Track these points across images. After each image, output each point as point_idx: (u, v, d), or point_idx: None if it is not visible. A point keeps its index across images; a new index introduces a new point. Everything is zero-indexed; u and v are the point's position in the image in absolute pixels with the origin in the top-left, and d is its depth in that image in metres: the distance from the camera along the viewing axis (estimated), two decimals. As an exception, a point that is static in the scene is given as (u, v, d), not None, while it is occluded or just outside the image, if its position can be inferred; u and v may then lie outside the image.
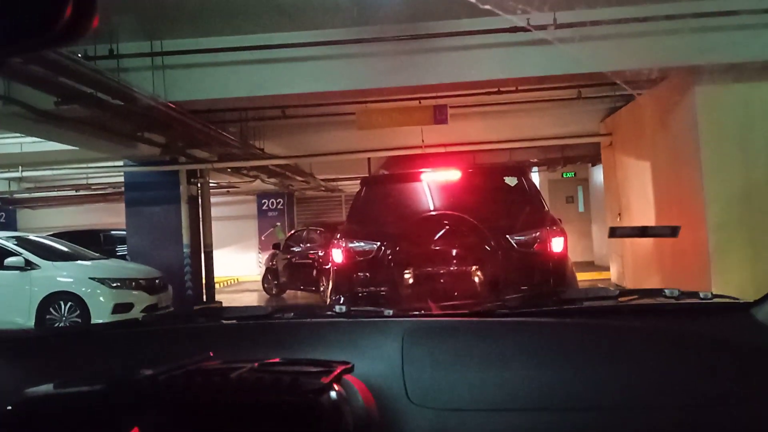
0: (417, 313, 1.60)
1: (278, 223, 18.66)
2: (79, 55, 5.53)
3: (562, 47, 6.31)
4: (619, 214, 10.19)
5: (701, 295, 1.58)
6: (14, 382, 1.21)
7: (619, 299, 1.65)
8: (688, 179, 7.43)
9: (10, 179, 13.60)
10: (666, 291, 1.59)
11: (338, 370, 1.06)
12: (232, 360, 1.11)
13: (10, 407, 0.99)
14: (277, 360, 1.13)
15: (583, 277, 10.66)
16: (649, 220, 8.67)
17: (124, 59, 6.30)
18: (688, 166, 7.43)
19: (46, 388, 1.05)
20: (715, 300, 1.58)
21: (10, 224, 18.07)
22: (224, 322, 1.66)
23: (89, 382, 1.05)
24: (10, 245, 8.68)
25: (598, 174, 13.91)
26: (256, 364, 1.07)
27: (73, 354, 1.47)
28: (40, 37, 0.61)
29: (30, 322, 8.16)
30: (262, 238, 18.64)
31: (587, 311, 1.62)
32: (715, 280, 6.87)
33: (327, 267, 6.26)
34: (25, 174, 11.98)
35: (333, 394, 1.00)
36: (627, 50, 6.44)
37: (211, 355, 1.18)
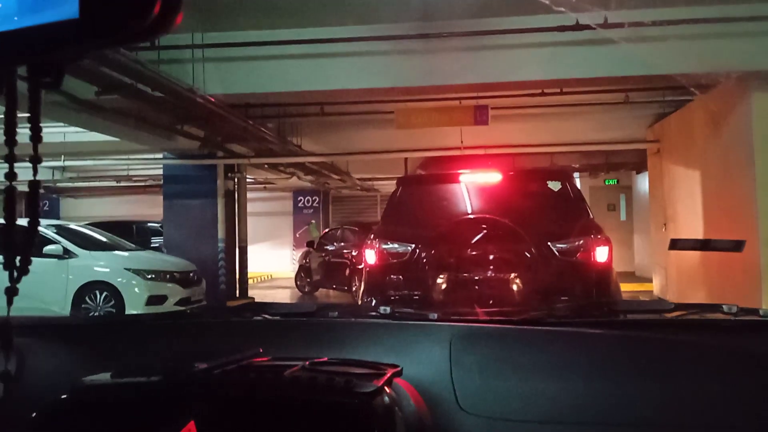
0: (464, 317, 1.56)
1: (313, 221, 18.68)
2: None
3: (610, 48, 6.08)
4: (665, 225, 9.82)
5: (761, 312, 1.53)
6: (64, 369, 1.23)
7: (675, 313, 1.60)
8: (740, 190, 7.07)
9: (53, 168, 13.86)
10: (724, 307, 1.53)
11: (389, 373, 1.05)
12: (281, 357, 1.11)
13: (64, 396, 0.98)
14: (326, 359, 1.12)
15: (623, 288, 10.29)
16: (696, 231, 8.32)
17: (165, 51, 6.29)
18: (740, 177, 7.08)
19: (102, 377, 1.05)
20: None
21: (53, 212, 18.50)
22: (269, 317, 1.65)
23: (144, 373, 1.06)
24: (50, 233, 8.81)
25: (642, 182, 13.49)
26: (307, 363, 1.06)
27: (121, 343, 1.47)
28: (126, 32, 0.60)
29: (66, 311, 8.27)
30: (297, 235, 18.67)
31: (641, 324, 1.57)
32: (766, 297, 6.52)
33: (360, 267, 6.14)
34: (67, 164, 12.17)
35: (385, 397, 0.99)
36: (679, 53, 6.15)
37: (261, 351, 1.16)
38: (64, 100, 6.33)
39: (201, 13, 6.21)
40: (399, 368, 1.10)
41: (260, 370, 1.08)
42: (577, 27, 5.79)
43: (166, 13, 0.58)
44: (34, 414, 0.97)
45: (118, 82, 5.89)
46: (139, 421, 0.97)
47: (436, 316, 1.53)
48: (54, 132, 10.36)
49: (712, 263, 7.90)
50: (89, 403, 1.01)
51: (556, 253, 4.33)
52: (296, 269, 13.28)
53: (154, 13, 0.57)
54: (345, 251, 10.86)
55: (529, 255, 4.18)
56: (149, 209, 15.82)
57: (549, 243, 4.33)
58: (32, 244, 0.78)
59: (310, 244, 12.59)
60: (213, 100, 6.86)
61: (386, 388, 1.01)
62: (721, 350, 1.30)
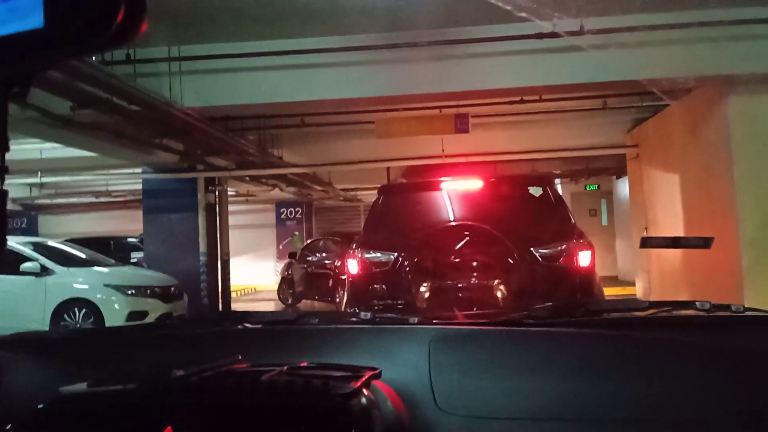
0: (443, 320, 1.58)
1: (296, 233, 18.59)
2: (95, 60, 5.44)
3: (588, 54, 6.11)
4: (646, 229, 9.88)
5: (733, 308, 1.56)
6: (41, 382, 1.23)
7: (649, 311, 1.63)
8: (720, 193, 7.13)
9: (31, 185, 13.66)
10: (697, 303, 1.57)
11: (367, 375, 1.06)
12: (261, 363, 1.11)
13: (41, 405, 0.99)
14: (304, 364, 1.13)
15: (606, 292, 10.31)
16: (677, 234, 8.37)
17: (141, 64, 6.22)
18: (719, 180, 7.14)
19: (79, 387, 1.05)
20: (748, 313, 1.57)
21: (31, 230, 18.18)
22: (250, 326, 1.66)
23: (122, 382, 1.06)
24: (27, 250, 8.66)
25: (622, 187, 13.60)
26: (285, 368, 1.07)
27: (101, 355, 1.47)
28: (90, 41, 0.61)
29: (45, 328, 8.10)
30: (280, 247, 18.56)
31: (616, 322, 1.60)
32: (748, 298, 6.55)
33: (343, 277, 6.09)
34: (44, 180, 12.01)
35: (363, 399, 1.00)
36: (657, 58, 6.21)
37: (240, 358, 1.17)
38: (38, 115, 6.22)
39: (176, 25, 6.15)
40: (377, 371, 1.11)
41: (238, 376, 1.08)
42: (554, 34, 5.82)
43: (130, 23, 0.60)
44: (8, 426, 0.98)
45: (93, 97, 5.80)
46: (116, 428, 0.97)
47: (416, 319, 1.54)
48: (30, 149, 10.22)
49: (695, 266, 7.96)
50: (66, 412, 1.00)
51: (539, 259, 4.32)
52: (278, 281, 13.17)
53: (117, 22, 0.59)
54: (327, 262, 10.80)
55: (511, 261, 4.16)
56: (130, 224, 15.62)
57: (531, 248, 4.32)
58: (2, 257, 0.77)
59: (292, 255, 12.50)
60: (191, 113, 6.79)
61: (364, 389, 1.02)
62: (694, 346, 1.32)
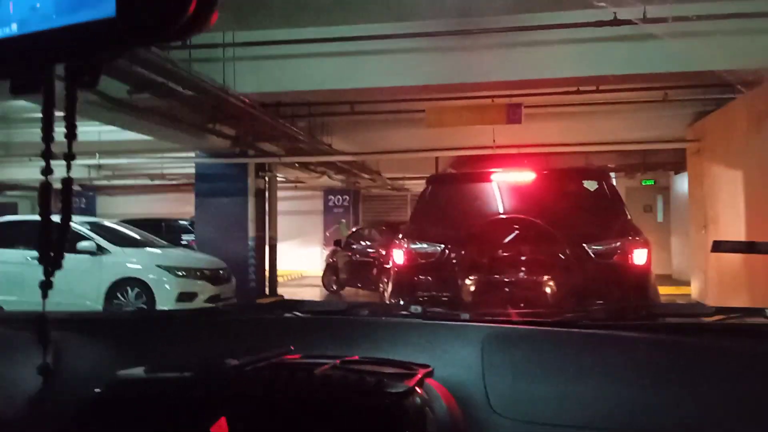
0: (496, 318, 1.51)
1: (343, 220, 18.68)
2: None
3: (649, 44, 5.88)
4: (705, 226, 9.50)
5: None
6: (96, 364, 1.23)
7: (716, 317, 1.54)
8: (786, 192, 6.77)
9: (89, 166, 14.12)
10: (767, 311, 1.48)
11: (421, 374, 1.03)
12: (312, 355, 1.10)
13: (98, 390, 0.99)
14: (357, 358, 1.11)
15: (660, 291, 10.01)
16: (738, 233, 8.01)
17: (197, 50, 6.30)
18: (786, 178, 6.77)
19: (137, 371, 1.06)
20: None
21: (90, 209, 18.86)
22: (300, 315, 1.65)
23: (178, 369, 1.06)
24: (84, 230, 8.94)
25: (680, 182, 13.11)
26: (338, 362, 1.06)
27: (154, 338, 1.48)
28: (162, 31, 0.61)
29: (99, 306, 8.38)
30: (327, 234, 18.69)
31: (681, 328, 1.50)
32: (813, 303, 6.22)
33: (387, 267, 6.07)
34: (102, 162, 12.37)
35: (417, 398, 0.97)
36: (721, 49, 5.92)
37: (292, 348, 1.16)
38: (97, 99, 6.39)
39: (232, 11, 6.20)
40: (430, 368, 1.08)
41: (291, 368, 1.07)
42: (615, 22, 5.60)
43: (201, 12, 0.60)
44: (71, 410, 0.98)
45: (149, 81, 5.92)
46: (170, 416, 0.97)
47: (468, 316, 1.51)
48: (89, 131, 10.54)
49: (757, 266, 7.58)
50: (123, 397, 1.01)
51: (592, 255, 4.17)
52: (324, 268, 13.28)
53: (189, 12, 0.59)
54: (372, 251, 10.79)
55: (563, 257, 4.03)
56: (182, 207, 16.00)
57: (584, 244, 4.18)
58: (65, 240, 0.82)
59: (337, 243, 12.56)
60: (244, 98, 6.85)
61: (417, 388, 1.00)
62: (763, 357, 1.24)
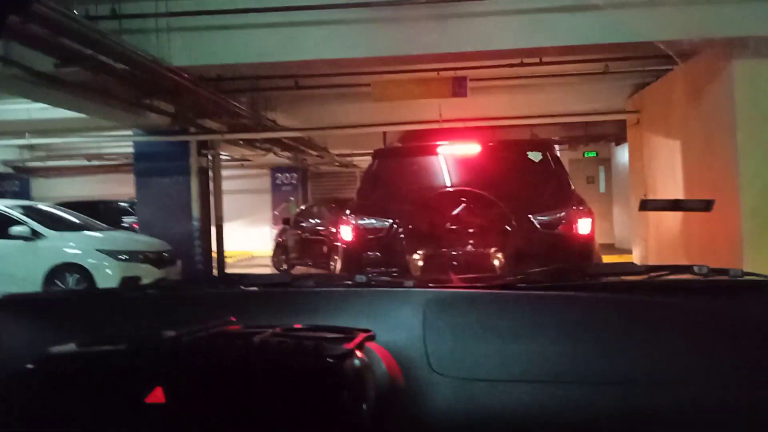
0: (438, 284, 1.54)
1: (292, 198, 18.45)
2: (76, 13, 5.22)
3: (590, 15, 5.93)
4: (645, 195, 9.77)
5: (731, 272, 1.55)
6: (33, 343, 1.22)
7: (646, 275, 1.62)
8: (722, 161, 7.00)
9: (21, 147, 13.42)
10: (695, 267, 1.55)
11: (360, 338, 1.06)
12: (253, 325, 1.11)
13: (31, 365, 0.99)
14: (298, 326, 1.13)
15: (604, 260, 10.29)
16: (676, 202, 8.26)
17: (127, 20, 5.98)
18: (721, 146, 7.00)
19: (69, 347, 1.06)
20: (746, 278, 1.56)
21: (23, 193, 17.97)
22: (244, 288, 1.66)
23: (112, 342, 1.06)
24: (16, 214, 8.51)
25: (621, 154, 13.45)
26: (278, 329, 1.07)
27: (93, 316, 1.46)
28: None
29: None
30: (276, 213, 18.43)
31: (613, 286, 1.59)
32: (747, 267, 6.47)
33: (338, 244, 6.01)
34: (33, 142, 11.75)
35: (356, 360, 1.00)
36: (661, 19, 6.03)
37: (233, 319, 1.17)
38: (21, 73, 6.01)
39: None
40: (371, 333, 1.11)
41: (230, 337, 1.08)
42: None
43: None
44: None
45: (77, 53, 5.59)
46: (105, 388, 0.96)
47: (411, 283, 1.53)
48: (18, 109, 9.98)
49: (694, 234, 7.87)
50: (55, 372, 1.00)
51: (537, 226, 4.21)
52: (273, 247, 13.10)
53: None
54: (321, 228, 10.69)
55: (509, 228, 4.04)
56: (122, 188, 15.42)
57: (530, 215, 4.20)
58: None
59: (286, 221, 12.39)
60: (180, 72, 6.57)
61: (357, 351, 1.02)
62: (690, 310, 1.31)
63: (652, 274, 1.63)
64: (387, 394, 1.05)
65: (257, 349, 1.00)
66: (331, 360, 0.96)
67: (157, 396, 0.92)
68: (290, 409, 0.93)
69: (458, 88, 8.06)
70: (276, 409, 0.93)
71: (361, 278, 1.61)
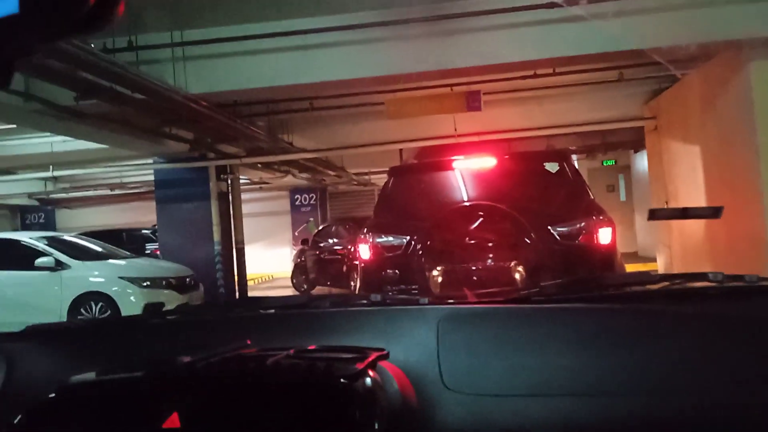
0: (452, 300, 1.57)
1: (311, 219, 18.52)
2: (93, 47, 5.33)
3: (602, 23, 5.87)
4: (666, 203, 9.64)
5: (747, 278, 1.54)
6: (55, 373, 1.24)
7: (661, 284, 1.61)
8: (743, 162, 6.88)
9: (45, 179, 13.69)
10: (710, 275, 1.55)
11: (373, 357, 1.07)
12: (268, 348, 1.13)
13: (53, 395, 1.01)
14: (312, 347, 1.14)
15: (627, 269, 10.13)
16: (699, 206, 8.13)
17: (144, 51, 6.10)
18: (742, 149, 6.89)
19: (88, 375, 1.08)
20: (761, 283, 1.55)
21: (49, 224, 18.33)
22: (261, 311, 1.69)
23: (129, 370, 1.07)
24: (41, 245, 8.65)
25: (640, 161, 13.31)
26: (291, 351, 1.08)
27: (114, 344, 1.50)
28: (68, 23, 0.62)
29: (61, 323, 8.10)
30: (296, 234, 18.51)
31: (627, 296, 1.60)
32: (774, 271, 6.35)
33: (356, 263, 6.00)
34: (56, 174, 12.00)
35: (368, 380, 1.01)
36: (673, 24, 5.97)
37: (249, 342, 1.19)
38: (42, 107, 6.15)
39: (178, 10, 6.03)
40: (385, 352, 1.11)
41: (243, 360, 1.09)
42: (568, 2, 5.59)
43: (106, 4, 0.60)
44: (20, 415, 0.99)
45: (95, 86, 5.70)
46: (122, 415, 0.98)
47: (426, 300, 1.54)
48: (41, 142, 10.20)
49: (718, 238, 7.72)
50: (75, 401, 1.02)
51: (557, 237, 4.16)
52: (292, 269, 13.13)
53: (91, 4, 0.59)
54: (339, 248, 10.71)
55: (528, 240, 4.00)
56: (145, 216, 15.65)
57: (549, 227, 4.16)
58: None
59: (304, 242, 12.43)
60: (197, 99, 6.67)
61: (369, 370, 1.02)
62: (706, 317, 1.30)
63: (667, 283, 1.62)
64: (399, 413, 1.05)
65: (270, 372, 1.01)
66: (343, 380, 0.96)
67: (173, 421, 0.93)
68: (303, 431, 0.94)
69: (472, 102, 8.06)
70: (289, 431, 0.94)
71: (376, 297, 1.63)
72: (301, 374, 1.00)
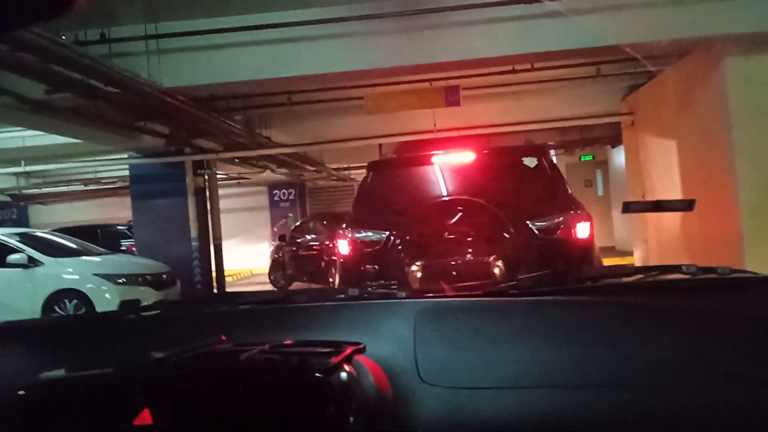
0: (429, 294, 1.57)
1: (290, 215, 18.42)
2: (65, 39, 5.21)
3: (580, 19, 5.90)
4: (643, 197, 9.73)
5: (719, 270, 1.56)
6: (28, 369, 1.23)
7: (636, 276, 1.63)
8: (718, 159, 6.97)
9: (17, 174, 13.40)
10: (683, 267, 1.56)
11: (348, 351, 1.07)
12: (243, 343, 1.11)
13: (22, 392, 1.00)
14: (288, 342, 1.14)
15: (604, 263, 10.22)
16: (675, 202, 8.22)
17: (117, 44, 5.98)
18: (717, 145, 6.98)
19: (58, 372, 1.07)
20: (734, 275, 1.58)
21: (21, 220, 17.95)
22: (240, 306, 1.68)
23: (100, 366, 1.06)
24: (13, 242, 8.47)
25: (618, 156, 13.44)
26: (266, 347, 1.08)
27: (90, 340, 1.48)
28: (30, 11, 0.61)
29: (34, 321, 7.94)
30: (275, 230, 18.40)
31: (602, 289, 1.60)
32: (748, 266, 6.43)
33: (334, 258, 5.96)
34: (28, 169, 11.75)
35: (343, 374, 1.00)
36: (649, 21, 6.02)
37: (223, 338, 1.18)
38: (12, 101, 6.00)
39: (153, 1, 5.91)
40: (361, 345, 1.11)
41: (216, 356, 1.08)
42: (545, -2, 5.61)
43: None
44: None
45: (67, 79, 5.57)
46: (93, 412, 0.97)
47: (403, 294, 1.54)
48: (12, 137, 9.98)
49: (695, 234, 7.83)
50: (46, 397, 1.01)
51: (536, 232, 4.17)
52: (270, 264, 13.04)
53: None
54: (317, 243, 10.67)
55: (507, 235, 4.00)
56: (120, 212, 15.43)
57: (527, 221, 4.16)
58: None
59: (282, 237, 12.36)
60: (172, 93, 6.56)
61: (344, 365, 1.02)
62: (679, 310, 1.31)
63: (642, 275, 1.64)
64: (375, 407, 1.05)
65: (243, 367, 1.00)
66: (317, 375, 0.96)
67: (144, 418, 0.92)
68: (277, 426, 0.93)
69: (451, 97, 8.06)
70: (263, 426, 0.93)
71: (354, 291, 1.63)
72: (274, 369, 0.99)
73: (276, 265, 12.41)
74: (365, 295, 1.63)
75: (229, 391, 0.96)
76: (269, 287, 12.67)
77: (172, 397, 0.97)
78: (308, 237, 11.40)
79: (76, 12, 0.61)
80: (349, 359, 1.05)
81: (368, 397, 1.04)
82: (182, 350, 1.08)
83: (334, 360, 1.00)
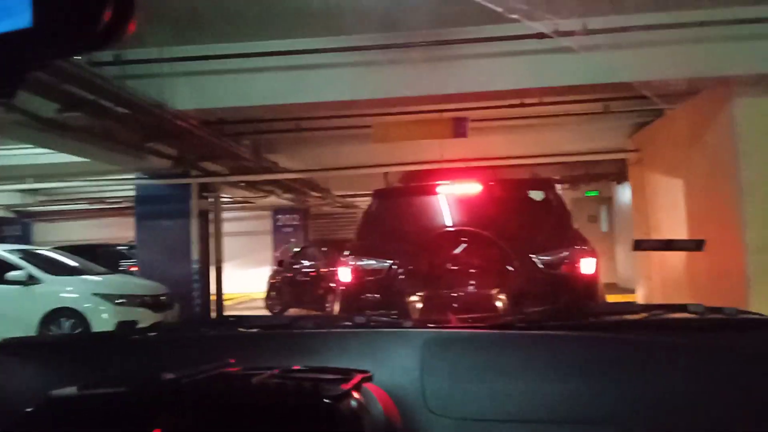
0: (436, 324, 1.57)
1: (293, 240, 18.39)
2: (82, 61, 5.26)
3: (590, 55, 5.94)
4: (648, 235, 9.69)
5: (726, 311, 1.57)
6: (31, 386, 1.22)
7: (642, 314, 1.65)
8: (725, 198, 6.95)
9: (23, 191, 13.45)
10: (690, 306, 1.57)
11: (357, 378, 1.07)
12: (252, 367, 1.12)
13: (31, 409, 1.00)
14: (297, 367, 1.14)
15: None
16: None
17: (132, 65, 6.03)
18: (724, 184, 6.96)
19: (69, 390, 1.06)
20: (741, 316, 1.59)
21: (25, 237, 17.97)
22: (245, 330, 1.69)
23: (111, 385, 1.06)
24: (14, 258, 8.45)
25: (623, 193, 13.43)
26: (276, 371, 1.08)
27: (91, 359, 1.47)
28: (79, 40, 0.63)
29: (31, 338, 7.87)
30: (277, 254, 18.36)
31: (609, 325, 1.62)
32: (753, 305, 6.35)
33: (332, 285, 5.91)
34: (36, 186, 11.79)
35: (352, 401, 1.01)
36: (659, 59, 6.05)
37: (232, 361, 1.18)
38: (24, 119, 6.03)
39: (168, 26, 5.97)
40: (369, 374, 1.12)
41: (229, 379, 1.09)
42: (557, 35, 5.65)
43: (118, 22, 0.60)
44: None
45: (79, 99, 5.61)
46: (106, 430, 0.97)
47: (410, 323, 1.57)
48: (20, 154, 10.03)
49: (699, 272, 7.76)
50: (55, 415, 1.01)
51: (540, 266, 4.13)
52: (266, 289, 12.95)
53: (105, 21, 0.59)
54: (313, 270, 10.63)
55: (511, 268, 3.96)
56: (125, 231, 15.40)
57: (532, 255, 4.13)
58: None
59: (279, 263, 12.32)
60: (182, 116, 6.60)
61: (354, 392, 1.02)
62: (686, 349, 1.32)
63: (649, 313, 1.64)
64: None
65: (255, 391, 1.01)
66: (327, 401, 0.96)
67: None
68: None
69: (459, 128, 8.06)
70: None
71: (360, 319, 1.62)
72: (286, 394, 1.00)
73: (273, 290, 12.34)
74: (372, 323, 1.63)
75: (240, 414, 0.97)
76: (268, 312, 12.58)
77: (184, 417, 0.97)
78: (305, 263, 11.36)
79: (122, 42, 0.63)
80: (358, 387, 1.05)
81: (377, 425, 1.04)
82: (194, 372, 1.07)
83: (344, 387, 1.01)
